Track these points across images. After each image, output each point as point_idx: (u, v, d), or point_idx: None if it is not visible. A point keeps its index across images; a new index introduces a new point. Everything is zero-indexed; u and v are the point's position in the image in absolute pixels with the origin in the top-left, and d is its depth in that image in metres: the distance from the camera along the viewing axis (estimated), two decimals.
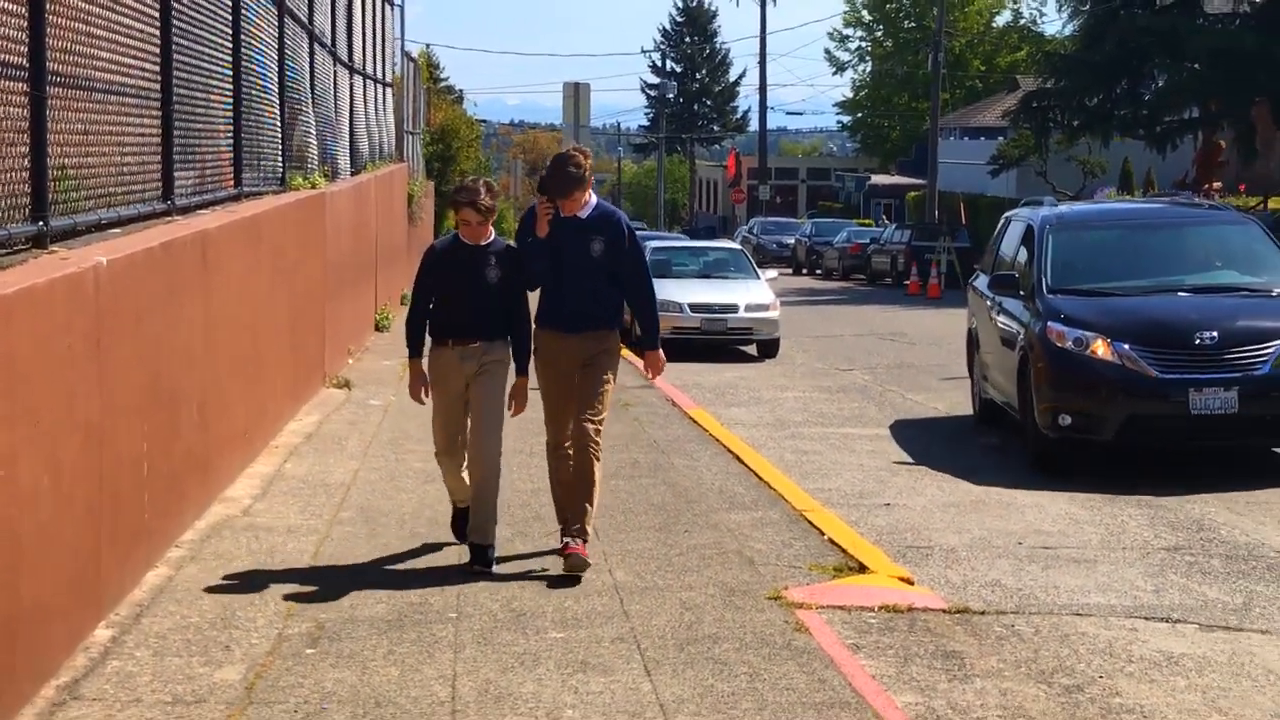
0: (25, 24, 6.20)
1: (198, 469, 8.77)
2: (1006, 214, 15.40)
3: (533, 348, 8.20)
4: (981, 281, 14.70)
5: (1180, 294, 12.44)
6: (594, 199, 8.23)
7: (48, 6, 6.40)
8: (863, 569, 8.38)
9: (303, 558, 8.20)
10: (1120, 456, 12.09)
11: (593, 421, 8.08)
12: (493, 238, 8.15)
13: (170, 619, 6.95)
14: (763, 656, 6.65)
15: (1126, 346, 11.61)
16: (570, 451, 8.11)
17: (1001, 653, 6.97)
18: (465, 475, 8.24)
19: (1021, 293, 12.89)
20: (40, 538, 5.81)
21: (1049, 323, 12.05)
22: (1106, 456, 12.05)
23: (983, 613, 7.66)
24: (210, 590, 7.47)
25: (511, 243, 8.31)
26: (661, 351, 8.47)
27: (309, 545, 8.48)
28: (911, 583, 8.22)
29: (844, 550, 8.75)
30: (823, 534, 9.16)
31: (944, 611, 7.63)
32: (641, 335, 8.46)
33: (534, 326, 8.21)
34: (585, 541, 8.04)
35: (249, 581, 7.66)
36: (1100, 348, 11.68)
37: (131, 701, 5.83)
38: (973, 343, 15.02)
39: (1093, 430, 11.66)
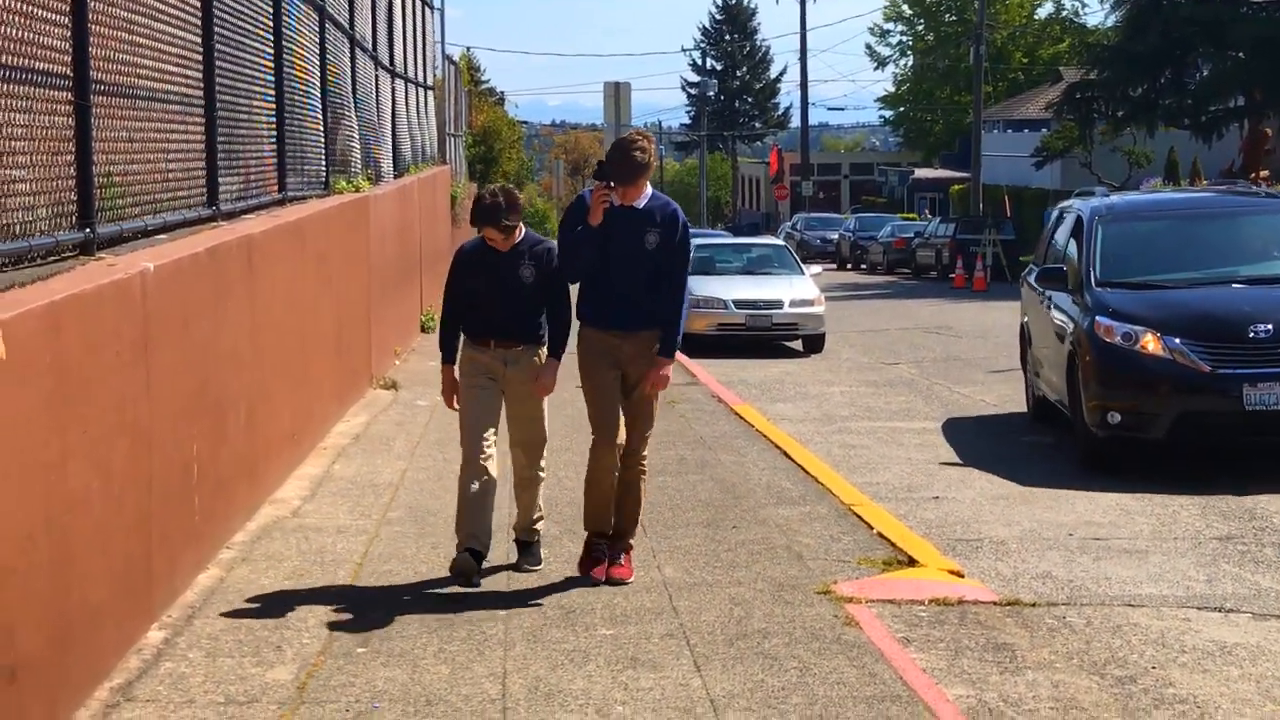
0: (69, 34, 6.25)
1: (247, 471, 8.82)
2: (1059, 205, 14.97)
3: (576, 347, 7.86)
4: (1034, 275, 14.31)
5: (1234, 285, 12.09)
6: (649, 188, 7.78)
7: (90, 17, 6.45)
8: (912, 562, 8.35)
9: (352, 558, 8.23)
10: (1172, 454, 11.71)
11: (644, 437, 7.84)
12: (522, 235, 7.84)
13: (222, 620, 7.00)
14: (813, 651, 6.64)
15: (1178, 341, 11.26)
16: (618, 465, 7.78)
17: (1053, 644, 6.94)
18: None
19: (1070, 286, 12.55)
20: (91, 541, 5.85)
21: (1097, 317, 11.71)
22: (1158, 455, 11.68)
23: (1034, 605, 7.62)
24: (261, 591, 7.51)
25: (545, 238, 8.01)
26: (669, 368, 7.85)
27: (358, 545, 8.51)
28: (961, 575, 8.19)
29: (893, 544, 8.73)
30: (871, 528, 9.13)
31: (994, 604, 7.60)
32: (661, 341, 7.78)
33: (578, 324, 7.86)
34: (629, 553, 7.96)
35: (300, 582, 7.70)
36: (1150, 342, 11.35)
37: (185, 702, 5.87)
38: (1025, 338, 14.63)
39: (1143, 428, 11.32)
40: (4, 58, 5.48)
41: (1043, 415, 13.68)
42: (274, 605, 7.26)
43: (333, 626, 6.94)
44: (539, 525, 8.09)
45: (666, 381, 7.80)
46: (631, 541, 8.00)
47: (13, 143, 5.60)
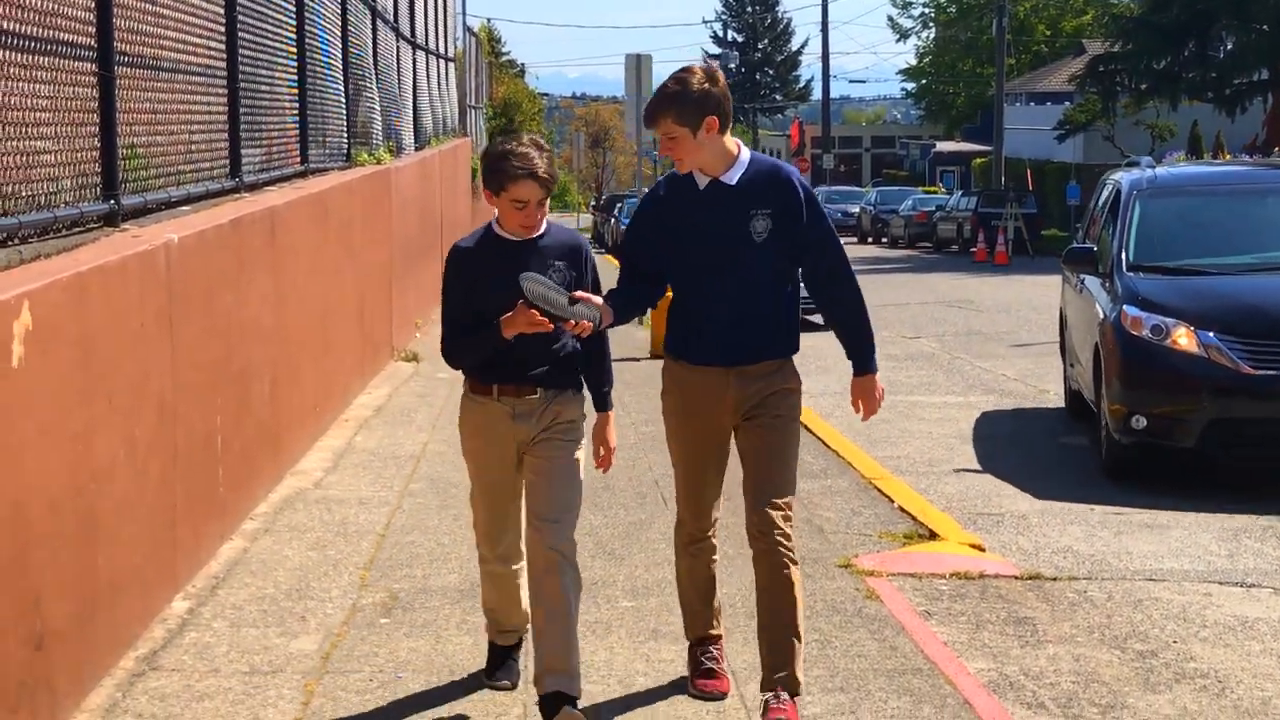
0: (93, 5, 6.26)
1: (270, 443, 8.85)
2: (1105, 176, 13.38)
3: (662, 389, 5.67)
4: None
5: None
6: (746, 152, 5.47)
7: None
8: (933, 536, 8.36)
9: (375, 529, 8.26)
10: (1206, 466, 10.28)
11: (778, 507, 5.42)
12: (546, 226, 5.43)
13: (246, 590, 7.03)
14: (834, 624, 6.66)
15: (1213, 336, 9.87)
16: (715, 551, 5.78)
17: (1074, 618, 6.94)
18: (521, 589, 5.69)
19: (1100, 270, 11.24)
20: (116, 512, 5.88)
21: (1124, 306, 10.31)
22: (1189, 466, 10.33)
23: (1054, 579, 7.63)
24: (285, 562, 7.54)
25: (573, 230, 5.72)
26: (878, 378, 5.74)
27: (381, 516, 8.54)
28: (982, 549, 8.20)
29: (914, 517, 8.74)
30: (892, 501, 9.14)
31: (1015, 578, 7.61)
32: (859, 355, 5.69)
33: (665, 357, 5.71)
34: (796, 696, 5.42)
35: (323, 553, 7.73)
36: (1182, 337, 9.95)
37: (210, 672, 5.91)
38: (1063, 325, 13.21)
39: (1172, 435, 9.96)
40: (29, 29, 5.50)
41: (1080, 412, 12.21)
42: (297, 576, 7.30)
43: (356, 597, 6.97)
44: (575, 662, 5.45)
45: (880, 401, 5.72)
46: (799, 675, 5.45)
47: (38, 114, 5.62)
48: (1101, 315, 10.71)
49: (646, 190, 6.27)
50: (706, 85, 5.33)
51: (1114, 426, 10.13)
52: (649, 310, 5.82)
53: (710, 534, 5.72)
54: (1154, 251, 10.97)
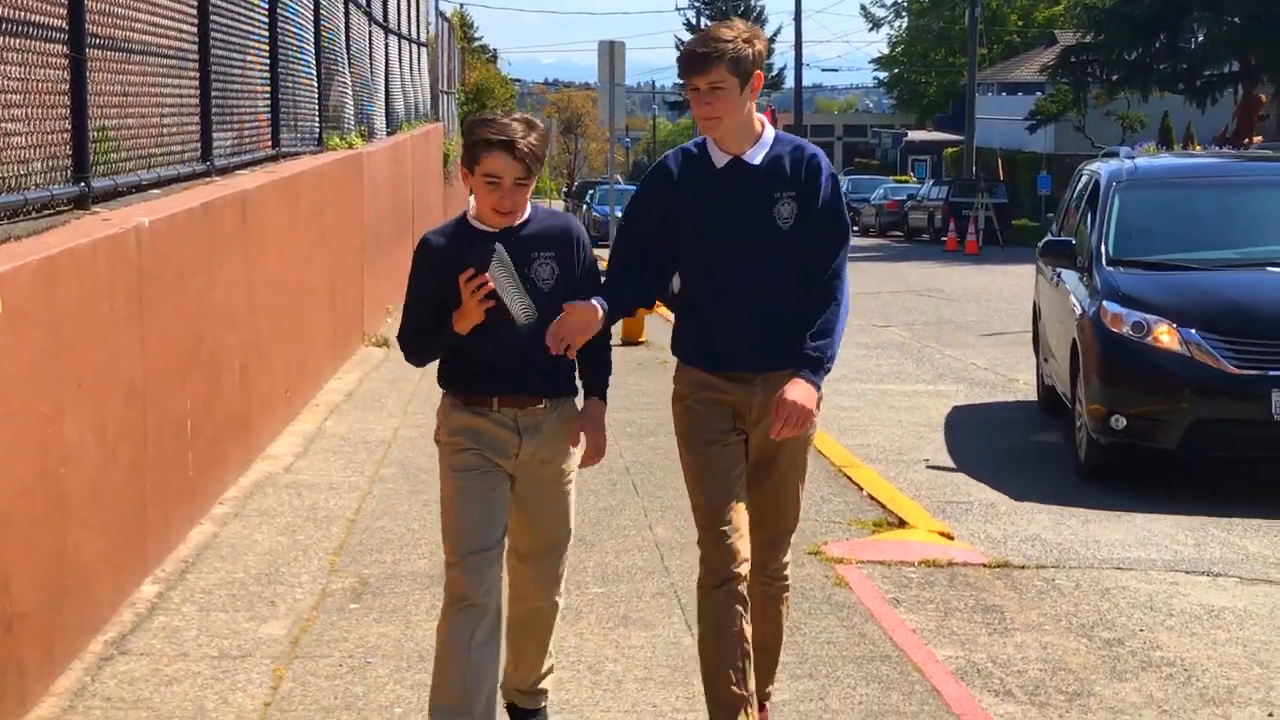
0: None
1: (240, 427, 8.83)
2: (1081, 167, 13.02)
3: (673, 398, 5.01)
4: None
5: (1271, 270, 10.18)
6: (770, 130, 4.88)
7: None
8: (902, 524, 8.39)
9: (345, 514, 8.26)
10: (1186, 468, 10.04)
11: (784, 545, 5.06)
12: (532, 211, 4.79)
13: (215, 575, 7.02)
14: (803, 611, 6.68)
15: (1195, 334, 9.49)
16: (746, 604, 4.82)
17: (1041, 607, 6.98)
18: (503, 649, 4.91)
19: (1078, 263, 10.84)
20: (86, 496, 5.87)
21: (1104, 302, 9.93)
22: (1170, 468, 10.03)
23: (1022, 567, 7.67)
24: (254, 546, 7.53)
25: (560, 211, 5.14)
26: (810, 392, 4.74)
27: (351, 502, 8.54)
28: (951, 538, 8.24)
29: (883, 505, 8.77)
30: (861, 489, 9.17)
31: (984, 566, 7.65)
32: (805, 351, 4.76)
33: (677, 364, 5.04)
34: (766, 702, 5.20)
35: (292, 538, 7.72)
36: (1164, 334, 9.57)
37: (179, 656, 5.90)
38: (1036, 318, 12.90)
39: (1153, 436, 9.59)
40: (1, 9, 5.47)
41: (1054, 407, 11.90)
42: (267, 561, 7.29)
43: (325, 582, 6.97)
44: (548, 682, 5.08)
45: (805, 416, 4.71)
46: (770, 691, 5.20)
47: (8, 95, 5.59)
48: (1080, 310, 10.32)
49: (624, 180, 5.82)
50: (758, 43, 4.81)
51: (1092, 426, 9.75)
52: (648, 306, 5.11)
53: (740, 570, 4.75)
54: (1134, 245, 10.59)
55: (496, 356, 4.71)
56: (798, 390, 4.69)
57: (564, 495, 4.89)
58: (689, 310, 4.92)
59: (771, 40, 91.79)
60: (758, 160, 4.83)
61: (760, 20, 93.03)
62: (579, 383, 4.94)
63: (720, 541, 4.78)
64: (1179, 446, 9.54)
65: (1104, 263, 10.43)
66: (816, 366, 4.74)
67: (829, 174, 4.89)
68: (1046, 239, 11.91)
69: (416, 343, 4.81)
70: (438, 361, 4.84)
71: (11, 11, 5.60)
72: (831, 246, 4.85)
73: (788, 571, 5.10)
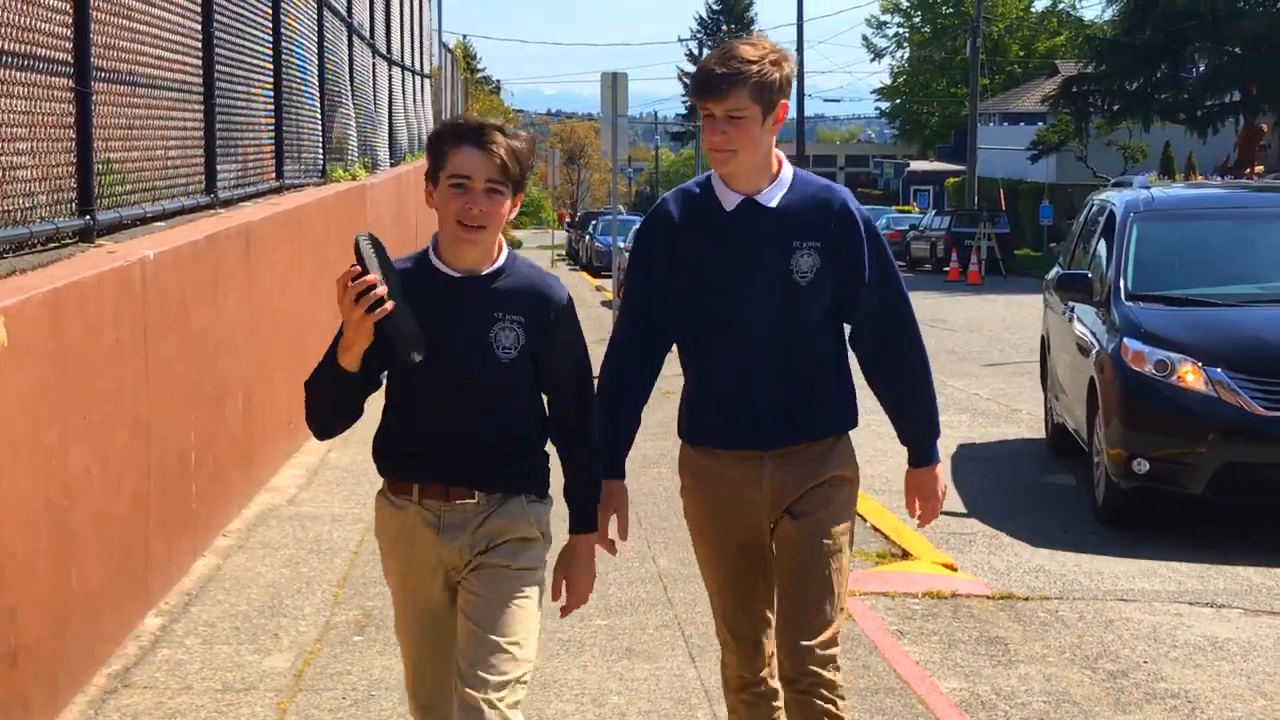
0: (70, 20, 6.27)
1: (243, 459, 8.84)
2: (1090, 197, 12.62)
3: (681, 481, 4.42)
4: (1056, 280, 11.45)
5: None
6: (789, 168, 4.21)
7: (92, 4, 6.46)
8: (905, 555, 8.39)
9: (348, 546, 8.25)
10: (1212, 514, 9.54)
11: (820, 643, 4.18)
12: (509, 260, 3.85)
13: (219, 607, 7.02)
14: None
15: (1221, 373, 9.09)
16: (778, 696, 4.31)
17: (1045, 638, 6.97)
18: None
19: (1095, 298, 10.33)
20: (90, 527, 5.87)
21: (1125, 339, 9.48)
22: (1196, 513, 9.54)
23: (1026, 599, 7.66)
24: (258, 579, 7.53)
25: (543, 270, 3.96)
26: (938, 479, 4.48)
27: (354, 533, 8.53)
28: (955, 569, 8.23)
29: (886, 537, 8.76)
30: (865, 521, 9.16)
31: (987, 598, 7.64)
32: (915, 431, 4.51)
33: (682, 445, 4.41)
34: None
35: (296, 570, 7.72)
36: (1189, 374, 9.15)
37: (182, 689, 5.89)
38: (1045, 354, 12.40)
39: (1177, 480, 9.13)
40: (5, 44, 5.50)
41: (1063, 447, 11.42)
42: (270, 593, 7.28)
43: (329, 615, 6.96)
44: None
45: (938, 508, 4.47)
46: None
47: (14, 129, 5.62)
48: (1098, 347, 9.86)
49: (626, 211, 4.85)
50: (784, 64, 4.13)
51: (1112, 470, 9.27)
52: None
53: (766, 674, 4.30)
54: (1154, 279, 10.13)
55: (420, 430, 3.84)
56: (931, 484, 4.44)
57: (515, 613, 3.79)
58: (694, 380, 4.27)
59: None
60: (773, 202, 4.16)
61: None
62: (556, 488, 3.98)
63: (744, 649, 4.32)
64: (1205, 491, 9.06)
65: (1123, 297, 9.97)
66: (934, 452, 4.49)
67: (864, 221, 4.24)
68: (1060, 272, 11.49)
69: (310, 394, 3.86)
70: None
71: (17, 45, 5.63)
72: (894, 304, 4.32)
73: (831, 677, 4.15)
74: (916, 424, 4.48)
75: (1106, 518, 9.53)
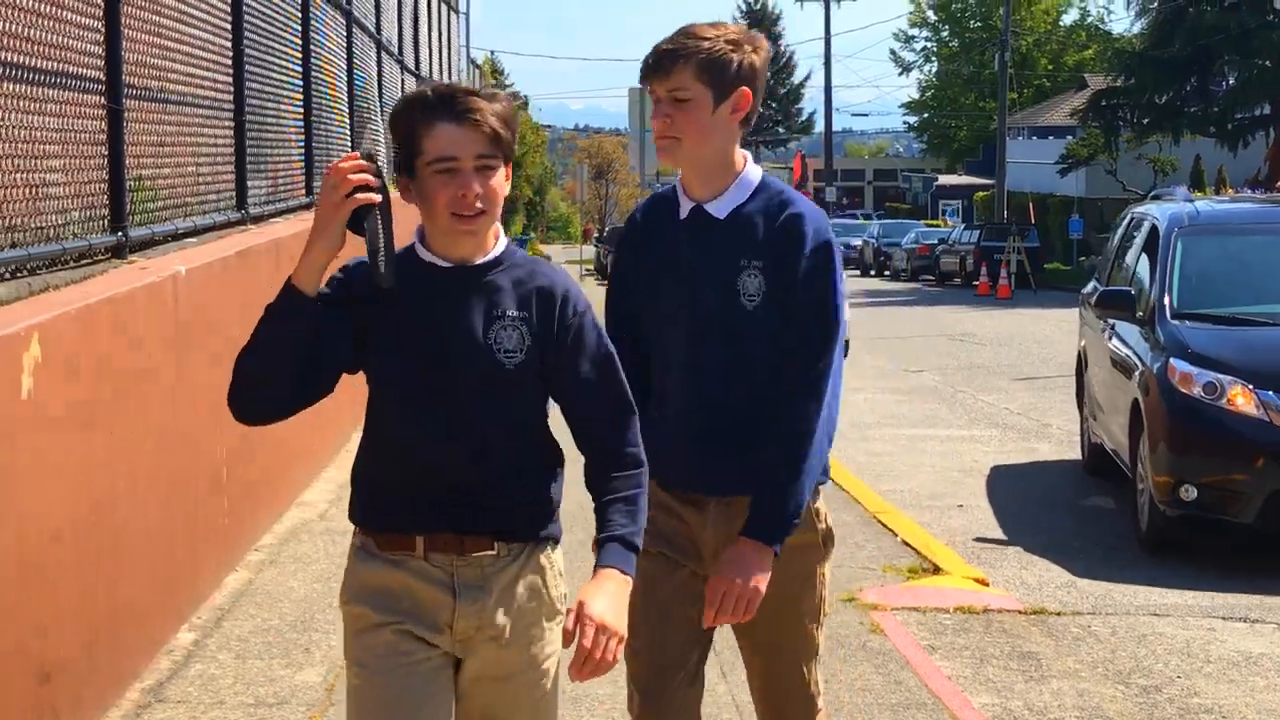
0: (102, 38, 6.30)
1: (275, 474, 8.86)
2: (1129, 210, 12.28)
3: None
4: (1095, 296, 11.15)
5: None
6: (755, 172, 3.68)
7: (123, 22, 6.50)
8: (937, 570, 8.36)
9: None
10: (1265, 544, 8.94)
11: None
12: (507, 251, 3.23)
13: (251, 622, 7.03)
14: (838, 658, 6.65)
15: (1274, 395, 8.71)
16: None
17: (1078, 653, 6.94)
18: None
19: (1138, 316, 9.90)
20: (121, 542, 5.89)
21: (1171, 360, 9.07)
22: (1245, 544, 8.98)
23: (1058, 613, 7.62)
24: (289, 593, 7.54)
25: (547, 264, 3.30)
26: (760, 570, 3.56)
27: None
28: (986, 584, 8.20)
29: (918, 552, 8.74)
30: (896, 535, 9.14)
31: (1019, 612, 7.61)
32: (756, 503, 3.57)
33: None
34: None
35: (327, 585, 7.73)
36: (1239, 396, 8.77)
37: (215, 704, 5.90)
38: (1081, 371, 11.98)
39: (1226, 508, 8.70)
40: (39, 62, 5.53)
41: (1101, 468, 11.07)
42: (302, 608, 7.29)
43: None
44: None
45: (749, 601, 3.55)
46: None
47: (47, 147, 5.65)
48: (1141, 367, 9.45)
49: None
50: (749, 49, 3.58)
51: (1158, 496, 8.83)
52: None
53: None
54: (1200, 297, 9.76)
55: (420, 461, 3.15)
56: (743, 565, 3.51)
57: (535, 703, 3.24)
58: (644, 406, 3.50)
59: (801, 85, 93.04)
60: (724, 213, 3.62)
61: (789, 65, 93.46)
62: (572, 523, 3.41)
63: (651, 708, 3.73)
64: (1255, 521, 8.63)
65: (1168, 315, 9.54)
66: (772, 529, 3.53)
67: (816, 239, 3.58)
68: (1101, 289, 11.08)
69: (248, 346, 3.22)
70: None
71: (50, 63, 5.66)
72: (812, 343, 3.58)
73: None
74: (766, 481, 3.56)
75: (1151, 545, 9.11)
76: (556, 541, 3.27)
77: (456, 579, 3.14)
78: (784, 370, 3.58)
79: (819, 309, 3.59)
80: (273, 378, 3.17)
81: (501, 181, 3.12)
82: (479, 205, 3.10)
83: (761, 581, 3.53)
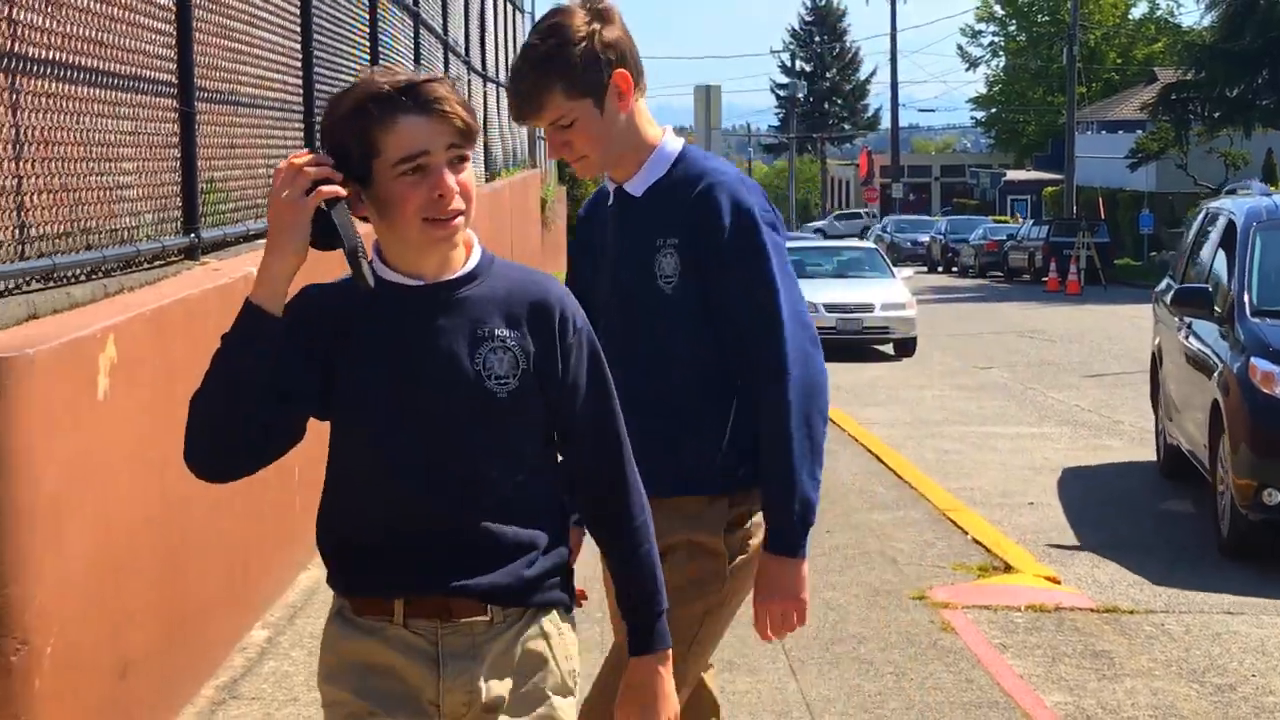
0: (174, 42, 6.37)
1: None
2: (1204, 205, 11.95)
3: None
4: (1170, 294, 10.78)
5: None
6: (674, 143, 3.46)
7: (195, 26, 6.56)
8: (1008, 568, 8.32)
9: None
10: None
11: None
12: (479, 255, 2.72)
13: (323, 619, 7.04)
14: (909, 656, 6.63)
15: None
16: None
17: (1151, 652, 6.88)
18: None
19: (1216, 314, 9.63)
20: (196, 540, 5.95)
21: (1252, 359, 8.82)
22: None
23: (1131, 612, 7.57)
24: None
25: (535, 271, 2.83)
26: (799, 567, 3.40)
27: None
28: (1058, 582, 8.14)
29: (988, 549, 8.69)
30: (966, 533, 9.10)
31: (1092, 611, 7.56)
32: (765, 518, 3.39)
33: None
34: None
35: None
36: None
37: (288, 700, 5.95)
38: (1156, 370, 11.62)
39: None
40: (113, 65, 5.60)
41: (1178, 471, 10.76)
42: None
43: None
44: None
45: (798, 615, 3.48)
46: None
47: (121, 149, 5.72)
48: (1221, 367, 9.17)
49: None
50: (597, 26, 3.28)
51: (1240, 500, 8.53)
52: None
53: None
54: None
55: (396, 501, 2.70)
56: (774, 585, 3.39)
57: None
58: None
59: (867, 81, 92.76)
60: (640, 190, 3.40)
61: (855, 62, 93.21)
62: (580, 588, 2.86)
63: None
64: None
65: (1248, 313, 9.27)
66: (788, 541, 3.34)
67: (735, 208, 3.30)
68: (1176, 287, 10.74)
69: (202, 387, 2.73)
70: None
71: (124, 67, 5.73)
72: (752, 330, 3.29)
73: None
74: (767, 489, 3.32)
75: (1232, 551, 8.82)
76: (568, 609, 2.76)
77: (441, 649, 2.67)
78: (736, 367, 3.34)
79: (749, 287, 3.30)
80: (238, 420, 2.67)
81: (473, 177, 2.71)
82: (457, 204, 2.64)
83: (800, 591, 3.37)
